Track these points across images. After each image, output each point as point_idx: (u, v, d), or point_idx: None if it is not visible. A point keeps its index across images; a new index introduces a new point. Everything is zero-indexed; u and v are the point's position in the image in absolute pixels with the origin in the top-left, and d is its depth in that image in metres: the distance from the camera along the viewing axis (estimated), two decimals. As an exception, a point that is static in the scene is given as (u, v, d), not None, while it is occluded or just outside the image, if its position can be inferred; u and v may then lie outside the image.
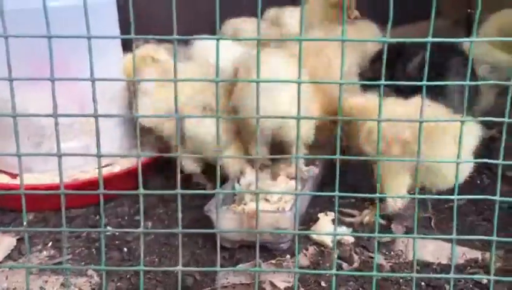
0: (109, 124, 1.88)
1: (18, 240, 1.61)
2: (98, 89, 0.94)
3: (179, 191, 0.97)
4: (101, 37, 0.90)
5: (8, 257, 1.56)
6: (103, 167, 1.92)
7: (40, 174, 1.86)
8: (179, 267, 0.99)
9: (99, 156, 0.96)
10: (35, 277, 1.45)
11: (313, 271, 1.35)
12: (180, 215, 0.97)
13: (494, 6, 2.03)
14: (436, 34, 0.93)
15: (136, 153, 0.97)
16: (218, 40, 0.89)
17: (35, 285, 1.42)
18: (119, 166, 1.91)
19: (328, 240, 1.54)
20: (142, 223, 0.98)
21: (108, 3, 1.87)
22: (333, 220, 1.61)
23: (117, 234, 1.63)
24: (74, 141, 1.82)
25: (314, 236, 1.54)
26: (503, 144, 0.95)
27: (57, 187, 0.98)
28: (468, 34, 2.68)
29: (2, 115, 0.98)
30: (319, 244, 1.55)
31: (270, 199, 1.63)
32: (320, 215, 1.63)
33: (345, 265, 1.48)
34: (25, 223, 1.00)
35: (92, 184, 1.63)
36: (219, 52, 0.90)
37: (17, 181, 1.86)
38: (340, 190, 0.96)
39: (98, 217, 1.75)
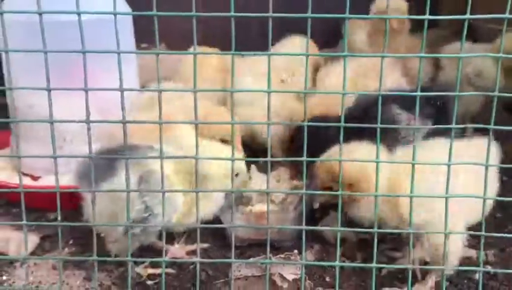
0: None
1: (41, 238, 1.72)
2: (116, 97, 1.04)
3: (197, 189, 1.08)
4: (130, 52, 1.01)
5: (33, 253, 1.66)
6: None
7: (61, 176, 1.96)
8: (197, 259, 1.09)
9: (127, 158, 1.07)
10: (58, 272, 1.55)
11: (319, 263, 1.46)
12: (199, 212, 1.07)
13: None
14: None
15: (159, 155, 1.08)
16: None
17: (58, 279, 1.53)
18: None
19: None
20: (163, 219, 1.09)
21: (125, 17, 1.98)
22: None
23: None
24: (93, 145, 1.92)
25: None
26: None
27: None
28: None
29: (38, 121, 1.09)
30: (323, 242, 1.66)
31: (275, 200, 1.74)
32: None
33: (347, 262, 1.58)
34: (59, 218, 1.10)
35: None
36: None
37: (38, 182, 1.98)
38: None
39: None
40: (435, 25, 2.82)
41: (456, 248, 1.35)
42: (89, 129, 1.06)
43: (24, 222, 1.12)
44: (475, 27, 2.70)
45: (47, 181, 1.98)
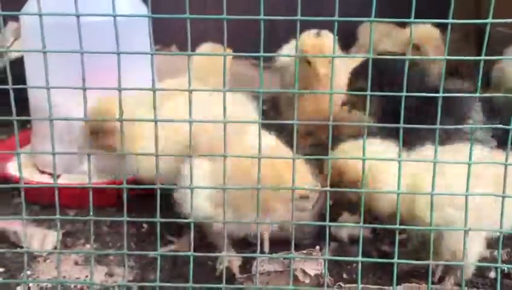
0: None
1: (63, 234, 1.76)
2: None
3: (225, 187, 1.11)
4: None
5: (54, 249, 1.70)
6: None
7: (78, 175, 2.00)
8: (224, 253, 1.12)
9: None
10: (81, 267, 1.59)
11: (341, 258, 1.50)
12: (225, 208, 1.11)
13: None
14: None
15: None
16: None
17: (82, 274, 1.56)
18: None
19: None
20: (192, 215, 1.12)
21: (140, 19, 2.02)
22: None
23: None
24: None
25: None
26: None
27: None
28: (478, 47, 2.80)
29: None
30: (340, 241, 1.69)
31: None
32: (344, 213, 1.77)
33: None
34: (91, 213, 1.13)
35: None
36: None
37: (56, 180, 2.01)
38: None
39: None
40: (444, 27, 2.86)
41: (474, 251, 1.38)
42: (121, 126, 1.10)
43: (24, 217, 1.16)
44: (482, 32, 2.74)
45: (67, 179, 2.01)
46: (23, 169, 2.03)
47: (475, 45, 2.82)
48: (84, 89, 1.08)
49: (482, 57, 1.04)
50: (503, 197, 1.11)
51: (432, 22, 1.10)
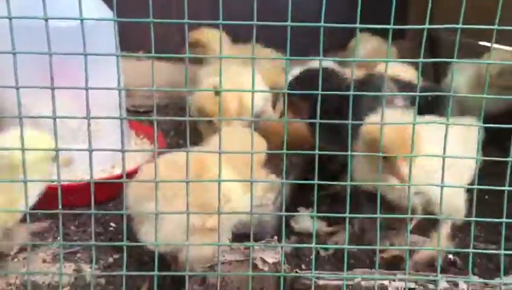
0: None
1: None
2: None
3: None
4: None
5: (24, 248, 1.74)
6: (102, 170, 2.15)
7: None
8: (187, 243, 1.20)
9: (123, 151, 1.17)
10: (49, 265, 1.64)
11: (298, 245, 1.63)
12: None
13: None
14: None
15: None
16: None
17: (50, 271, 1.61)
18: (118, 170, 2.10)
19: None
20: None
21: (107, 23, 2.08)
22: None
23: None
24: (81, 144, 1.99)
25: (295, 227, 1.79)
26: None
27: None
28: (431, 55, 2.95)
29: (43, 117, 1.19)
30: (299, 235, 1.80)
31: (255, 194, 1.86)
32: (300, 208, 1.87)
33: (321, 251, 1.73)
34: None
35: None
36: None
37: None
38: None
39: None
40: (401, 36, 3.01)
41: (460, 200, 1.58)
42: (89, 125, 1.16)
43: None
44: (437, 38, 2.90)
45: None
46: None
47: (429, 53, 2.99)
48: (53, 89, 1.14)
49: (420, 59, 1.15)
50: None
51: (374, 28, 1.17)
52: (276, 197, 1.81)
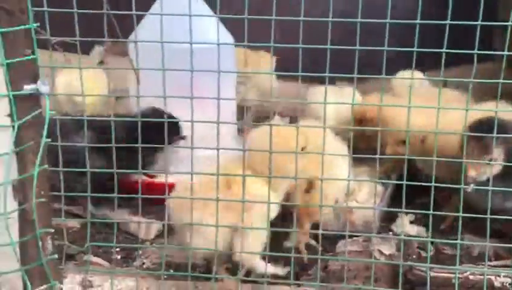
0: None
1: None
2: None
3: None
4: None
5: (158, 237, 2.01)
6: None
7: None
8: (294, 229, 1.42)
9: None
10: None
11: (417, 238, 1.79)
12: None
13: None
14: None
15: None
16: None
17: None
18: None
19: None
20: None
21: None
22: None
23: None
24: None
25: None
26: None
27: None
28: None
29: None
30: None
31: (359, 200, 2.06)
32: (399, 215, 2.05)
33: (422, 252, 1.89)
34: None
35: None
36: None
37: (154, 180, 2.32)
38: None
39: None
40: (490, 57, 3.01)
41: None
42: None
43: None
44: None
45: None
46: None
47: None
48: (192, 98, 1.42)
49: None
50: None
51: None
52: (381, 199, 1.99)
